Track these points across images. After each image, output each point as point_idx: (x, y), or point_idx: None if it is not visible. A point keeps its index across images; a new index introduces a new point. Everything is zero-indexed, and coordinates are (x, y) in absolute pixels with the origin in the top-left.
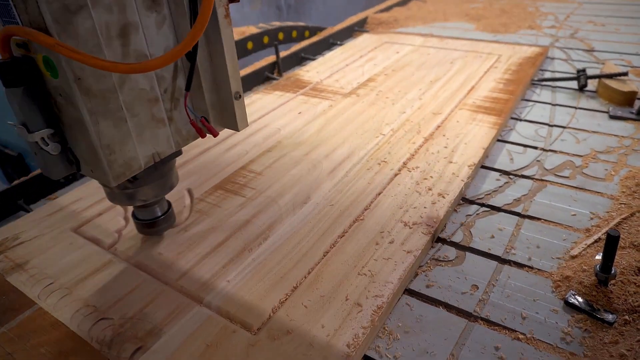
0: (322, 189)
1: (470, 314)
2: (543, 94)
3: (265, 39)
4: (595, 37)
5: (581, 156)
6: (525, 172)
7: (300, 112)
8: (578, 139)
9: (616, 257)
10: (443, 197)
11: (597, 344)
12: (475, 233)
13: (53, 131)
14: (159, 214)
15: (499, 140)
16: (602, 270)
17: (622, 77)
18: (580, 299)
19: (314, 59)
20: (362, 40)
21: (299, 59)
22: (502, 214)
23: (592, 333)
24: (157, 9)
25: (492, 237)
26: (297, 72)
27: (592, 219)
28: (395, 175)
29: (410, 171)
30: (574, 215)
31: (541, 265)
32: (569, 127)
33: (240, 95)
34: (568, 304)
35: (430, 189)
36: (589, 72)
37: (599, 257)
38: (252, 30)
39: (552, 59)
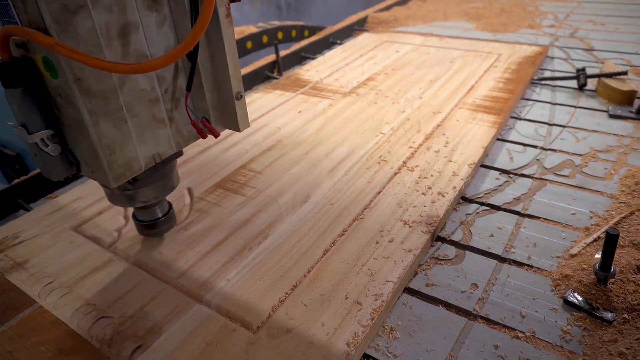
0: (322, 188)
1: (470, 312)
2: (543, 93)
3: (265, 39)
4: (595, 36)
5: (581, 155)
6: (525, 171)
7: (300, 111)
8: (578, 138)
9: (615, 255)
10: (443, 195)
11: (596, 343)
12: (475, 232)
13: (53, 132)
14: (160, 215)
15: (498, 139)
16: (601, 269)
17: (622, 76)
18: (579, 298)
19: (313, 58)
20: (362, 40)
21: (299, 58)
22: (502, 212)
23: (592, 331)
24: (158, 8)
25: (492, 235)
26: (297, 71)
27: (591, 217)
28: (395, 174)
29: (410, 170)
30: (574, 214)
31: (541, 264)
32: (569, 126)
33: (241, 96)
34: (567, 303)
35: (430, 188)
36: (589, 71)
37: (598, 255)
38: (251, 29)
39: (552, 58)
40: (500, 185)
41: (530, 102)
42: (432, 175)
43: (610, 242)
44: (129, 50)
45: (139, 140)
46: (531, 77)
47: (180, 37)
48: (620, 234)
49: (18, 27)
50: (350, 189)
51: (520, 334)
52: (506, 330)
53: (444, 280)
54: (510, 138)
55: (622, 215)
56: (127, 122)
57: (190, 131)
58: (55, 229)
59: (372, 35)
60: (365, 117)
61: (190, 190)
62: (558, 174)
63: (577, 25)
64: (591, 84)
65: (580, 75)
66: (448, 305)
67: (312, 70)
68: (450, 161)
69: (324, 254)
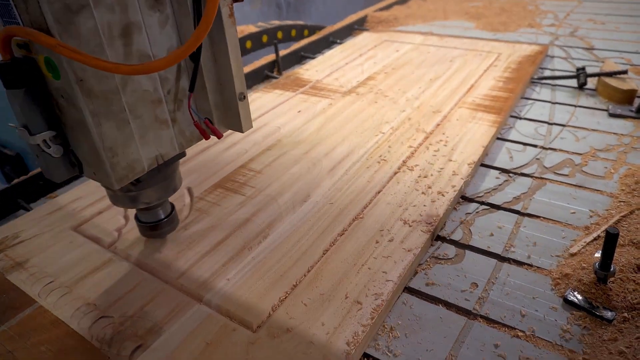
0: (322, 188)
1: (470, 311)
2: (543, 92)
3: (264, 38)
4: (595, 35)
5: (581, 154)
6: (525, 170)
7: (299, 111)
8: (577, 137)
9: (615, 254)
10: (442, 195)
11: (596, 342)
12: (475, 231)
13: (55, 133)
14: (163, 216)
15: (498, 139)
16: (601, 267)
17: (622, 75)
18: (579, 297)
19: (313, 58)
20: (362, 39)
21: (299, 57)
22: (502, 212)
23: (591, 330)
24: (160, 8)
25: (492, 235)
26: (297, 70)
27: (591, 216)
28: (395, 173)
29: (410, 169)
30: (574, 213)
31: (540, 263)
32: (569, 125)
33: (244, 96)
34: (567, 302)
35: (429, 187)
36: (589, 70)
37: (598, 254)
38: (251, 29)
39: (552, 57)
40: (500, 185)
41: (530, 101)
42: (432, 175)
43: (610, 241)
44: (132, 50)
45: (142, 141)
46: (531, 76)
47: (182, 37)
48: (620, 233)
49: (20, 27)
50: (350, 188)
51: (520, 333)
52: (506, 329)
53: (444, 280)
54: (510, 137)
55: (622, 214)
56: (130, 124)
57: (193, 132)
58: (55, 228)
59: (372, 35)
60: (365, 116)
61: (190, 190)
62: (558, 173)
63: (577, 24)
64: (591, 83)
65: (580, 74)
66: (448, 305)
67: (312, 69)
68: (450, 160)
69: (324, 254)
